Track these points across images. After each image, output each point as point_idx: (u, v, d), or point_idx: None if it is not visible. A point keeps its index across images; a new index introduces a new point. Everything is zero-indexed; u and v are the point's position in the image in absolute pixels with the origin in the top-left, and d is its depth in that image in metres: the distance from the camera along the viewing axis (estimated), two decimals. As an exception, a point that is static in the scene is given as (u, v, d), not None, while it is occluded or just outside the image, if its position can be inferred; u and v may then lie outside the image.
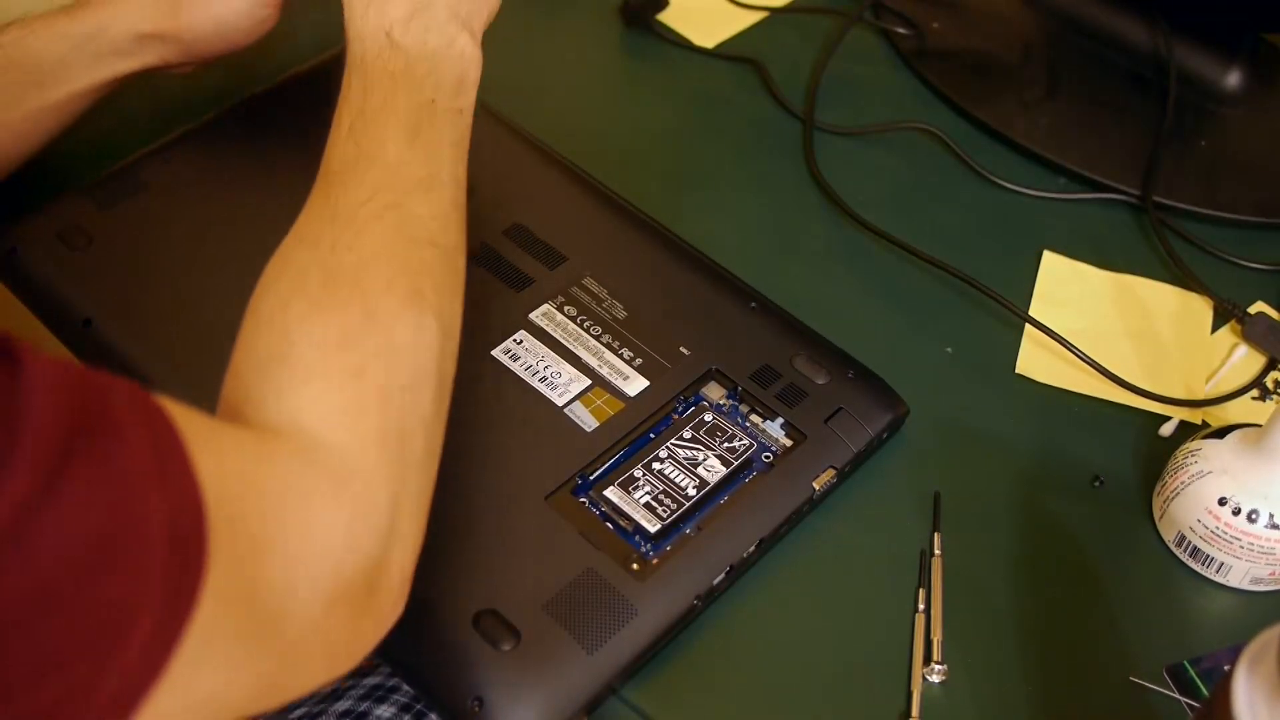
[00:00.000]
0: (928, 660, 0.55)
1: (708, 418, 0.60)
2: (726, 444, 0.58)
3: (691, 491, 0.56)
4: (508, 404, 0.59)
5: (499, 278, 0.64)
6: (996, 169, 0.77)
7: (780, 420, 0.60)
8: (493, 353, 0.61)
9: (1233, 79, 0.81)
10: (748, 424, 0.60)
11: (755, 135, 0.80)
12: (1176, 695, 0.54)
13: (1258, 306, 0.70)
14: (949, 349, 0.67)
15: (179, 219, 0.67)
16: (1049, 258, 0.72)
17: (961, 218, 0.75)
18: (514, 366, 0.60)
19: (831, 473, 0.59)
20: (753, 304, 0.65)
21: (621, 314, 0.63)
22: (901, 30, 0.86)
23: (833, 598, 0.57)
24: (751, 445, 0.59)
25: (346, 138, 0.53)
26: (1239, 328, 0.69)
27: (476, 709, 0.49)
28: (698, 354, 0.62)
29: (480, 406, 0.59)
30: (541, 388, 0.60)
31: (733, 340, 0.63)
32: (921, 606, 0.57)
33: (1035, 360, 0.67)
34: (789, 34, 0.87)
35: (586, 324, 0.63)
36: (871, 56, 0.85)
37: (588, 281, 0.65)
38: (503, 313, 0.63)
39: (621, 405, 0.59)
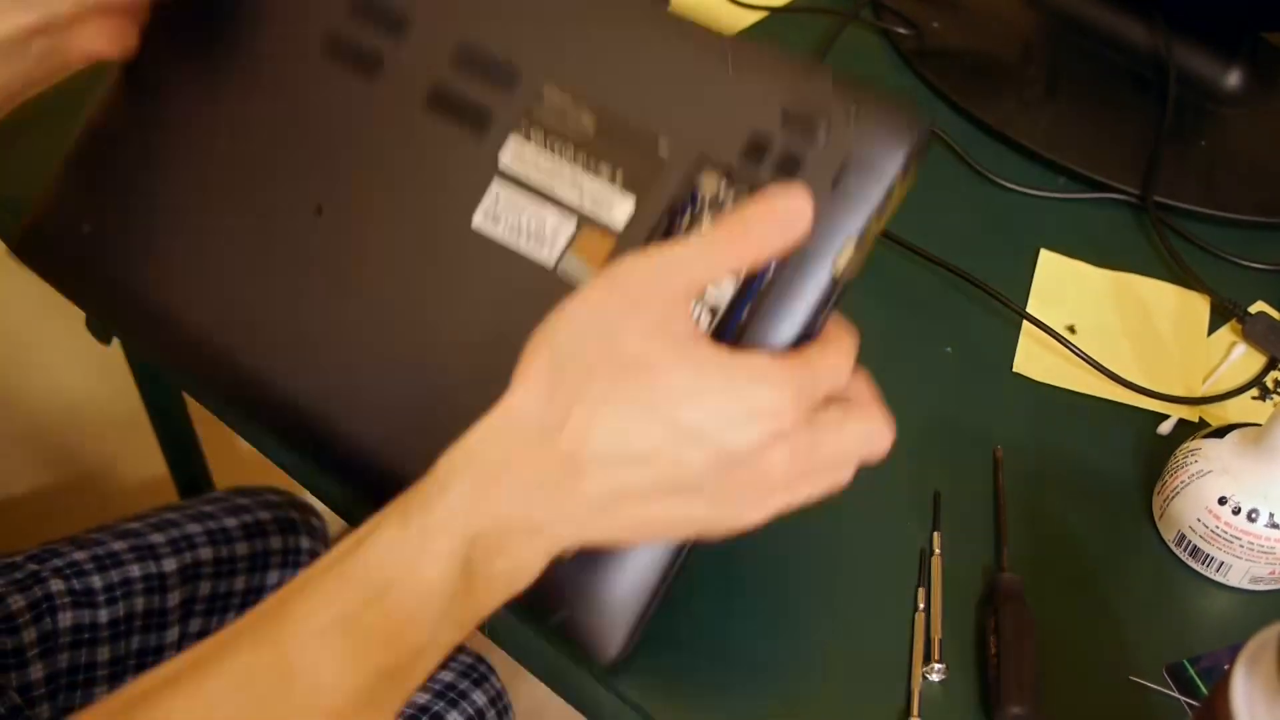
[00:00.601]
0: (928, 659, 0.55)
1: (708, 224, 0.52)
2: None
3: (705, 321, 0.51)
4: (499, 283, 0.55)
5: (458, 122, 0.58)
6: (996, 169, 0.77)
7: None
8: (473, 224, 0.56)
9: (1233, 79, 0.81)
10: None
11: (755, 135, 0.80)
12: (1176, 694, 0.54)
13: (1258, 306, 0.70)
14: (949, 349, 0.67)
15: (153, 157, 0.64)
16: (1046, 256, 0.72)
17: (962, 218, 0.75)
18: (496, 232, 0.56)
19: (851, 244, 0.50)
20: (729, 53, 0.55)
21: (589, 122, 0.55)
22: (901, 30, 0.86)
23: (833, 598, 0.57)
24: None
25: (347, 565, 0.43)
26: (1239, 327, 0.69)
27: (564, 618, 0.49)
28: (680, 142, 0.53)
29: (472, 293, 0.55)
30: (529, 248, 0.55)
31: (714, 112, 0.53)
32: (921, 606, 0.57)
33: (1033, 359, 0.67)
34: (789, 34, 0.87)
35: (558, 147, 0.56)
36: (871, 56, 0.86)
37: (548, 92, 0.57)
38: (472, 167, 0.57)
39: (612, 241, 0.54)
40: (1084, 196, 0.76)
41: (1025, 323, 0.68)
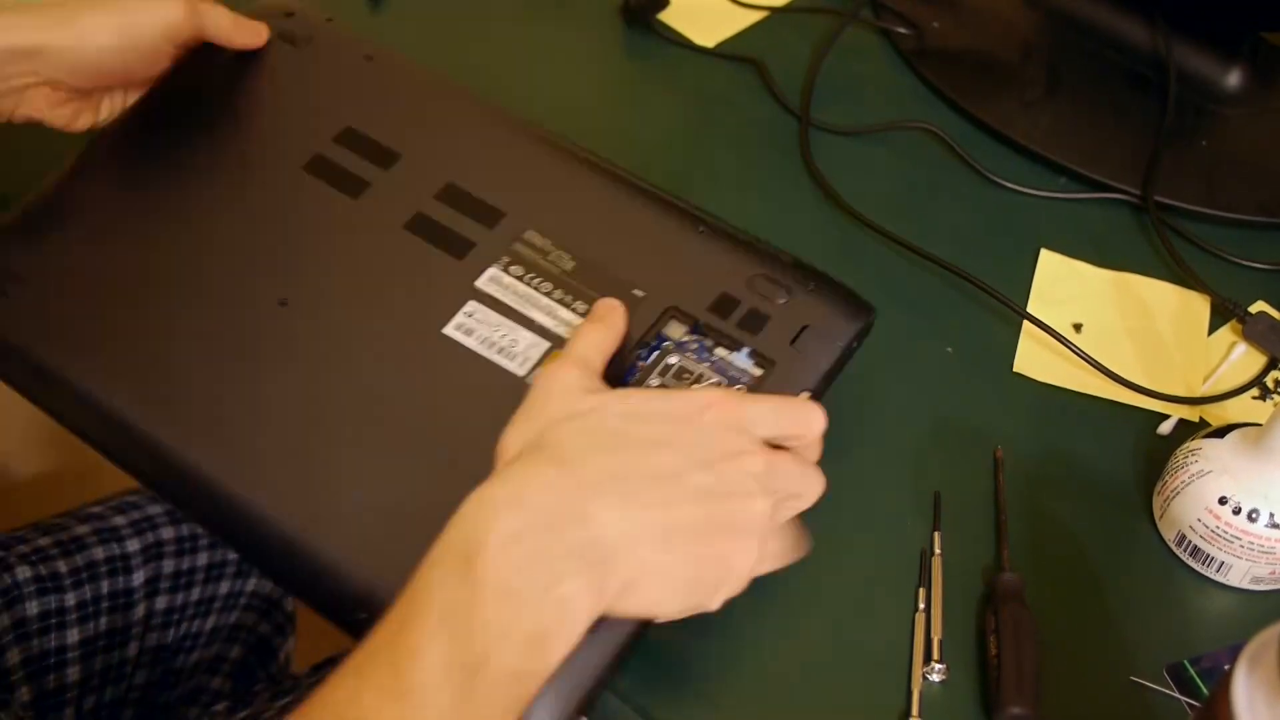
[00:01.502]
0: (928, 660, 0.55)
1: (672, 360, 0.57)
2: (696, 384, 0.56)
3: None
4: (469, 384, 0.57)
5: (439, 246, 0.61)
6: (996, 169, 0.77)
7: (746, 350, 0.57)
8: (444, 330, 0.58)
9: (1233, 79, 0.81)
10: (715, 358, 0.57)
11: (755, 134, 0.80)
12: (1177, 695, 0.54)
13: (1258, 306, 0.70)
14: (949, 349, 0.67)
15: (111, 236, 0.64)
16: (1046, 256, 0.72)
17: (962, 218, 0.75)
18: (468, 341, 0.58)
19: (805, 395, 0.56)
20: (701, 228, 0.61)
21: (569, 264, 0.60)
22: (901, 30, 0.86)
23: (833, 598, 0.57)
24: (721, 381, 0.56)
25: (346, 674, 0.42)
26: (1239, 327, 0.69)
27: None
28: (652, 293, 0.58)
29: (441, 391, 0.57)
30: (500, 359, 0.57)
31: (685, 272, 0.59)
32: (922, 606, 0.57)
33: (1033, 358, 0.67)
34: (789, 33, 0.87)
35: (535, 281, 0.59)
36: (871, 56, 0.86)
37: (530, 235, 0.61)
38: (448, 284, 0.60)
39: None
40: (1085, 196, 0.76)
41: (1025, 323, 0.68)
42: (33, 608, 0.74)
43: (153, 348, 0.59)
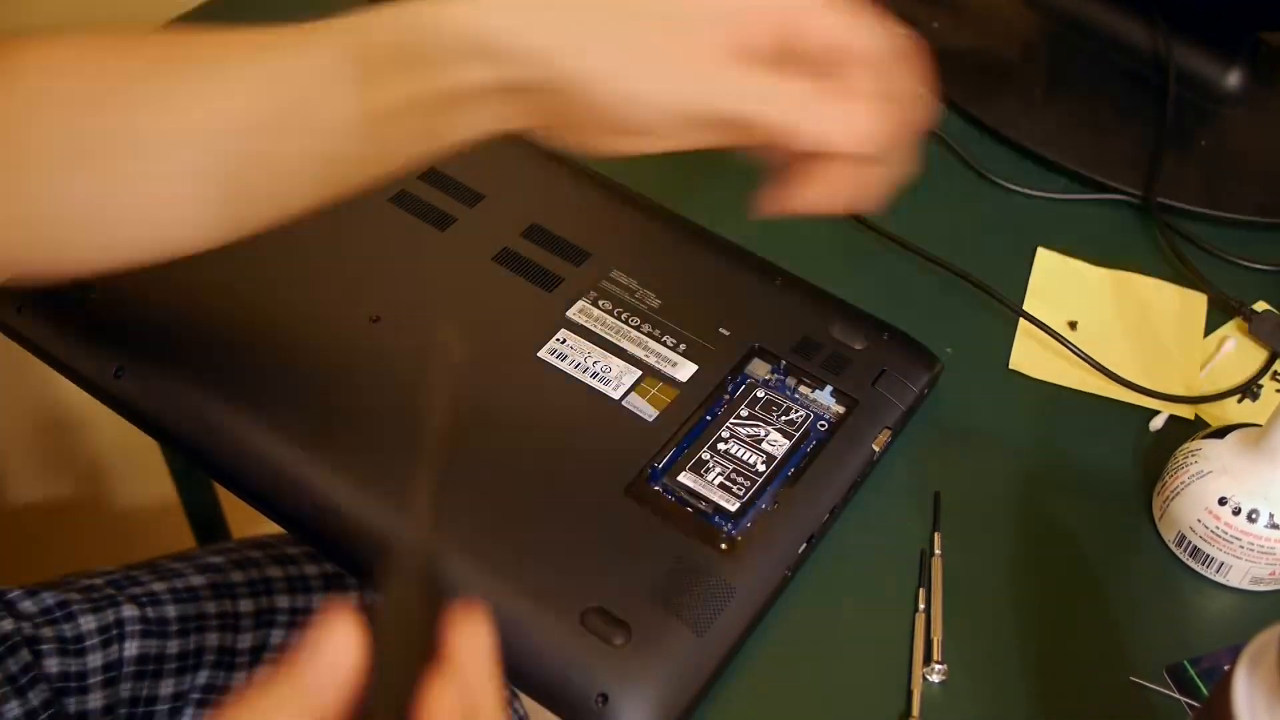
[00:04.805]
0: (928, 660, 0.55)
1: (760, 394, 0.61)
2: (784, 417, 0.60)
3: (761, 467, 0.58)
4: (565, 403, 0.60)
5: (528, 279, 0.64)
6: (997, 169, 0.77)
7: (829, 388, 0.61)
8: (538, 354, 0.61)
9: (1233, 79, 0.81)
10: (798, 395, 0.61)
11: (755, 135, 0.80)
12: (1176, 695, 0.54)
13: (1259, 307, 0.70)
14: (949, 349, 0.67)
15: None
16: (1043, 254, 0.72)
17: (962, 218, 0.75)
18: (563, 366, 0.61)
19: (887, 433, 0.60)
20: (778, 279, 0.66)
21: (655, 302, 0.64)
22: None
23: (833, 597, 0.57)
24: (808, 416, 0.60)
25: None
26: (1244, 325, 0.69)
27: (601, 705, 0.50)
28: (737, 333, 0.63)
29: (538, 408, 0.59)
30: (594, 384, 0.60)
31: (767, 316, 0.64)
32: (921, 606, 0.57)
33: (1030, 356, 0.67)
34: (789, 34, 0.86)
35: (624, 316, 0.63)
36: (871, 56, 0.85)
37: (615, 274, 0.65)
38: (539, 313, 0.63)
39: (676, 392, 0.60)
40: (1086, 197, 0.76)
41: (1022, 321, 0.68)
42: (131, 649, 0.72)
43: (240, 352, 0.61)
